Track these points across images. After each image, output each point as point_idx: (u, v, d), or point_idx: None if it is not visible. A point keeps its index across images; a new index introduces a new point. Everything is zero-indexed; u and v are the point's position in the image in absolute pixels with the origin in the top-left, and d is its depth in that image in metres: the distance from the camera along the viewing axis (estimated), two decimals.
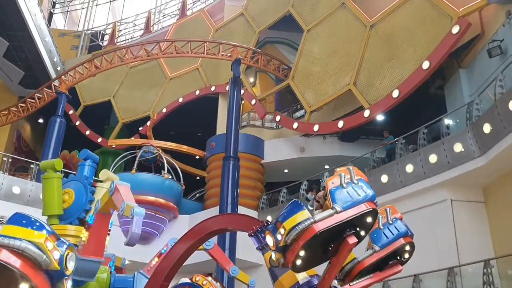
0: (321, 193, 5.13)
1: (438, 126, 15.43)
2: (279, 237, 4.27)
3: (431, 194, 14.38)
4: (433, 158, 14.52)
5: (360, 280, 5.08)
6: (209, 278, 7.91)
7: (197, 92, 26.60)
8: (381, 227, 5.19)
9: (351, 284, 5.03)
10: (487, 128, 12.97)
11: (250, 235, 5.14)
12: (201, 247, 8.01)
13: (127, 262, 10.23)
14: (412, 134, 16.07)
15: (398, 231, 5.23)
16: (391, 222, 5.22)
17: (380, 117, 18.68)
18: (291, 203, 4.50)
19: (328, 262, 4.67)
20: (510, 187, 13.43)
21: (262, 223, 5.25)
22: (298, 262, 4.30)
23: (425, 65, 16.39)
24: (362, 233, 4.64)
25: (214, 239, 6.62)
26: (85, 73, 24.77)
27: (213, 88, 26.04)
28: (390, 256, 5.30)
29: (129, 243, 6.00)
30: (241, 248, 17.31)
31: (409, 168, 15.02)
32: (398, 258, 5.36)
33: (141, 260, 12.63)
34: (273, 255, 4.43)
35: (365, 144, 20.64)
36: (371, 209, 4.47)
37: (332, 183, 4.57)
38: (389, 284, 13.97)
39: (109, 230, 7.17)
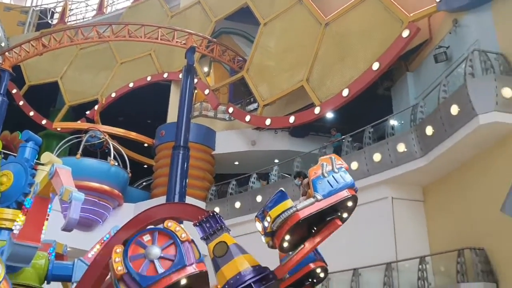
0: (305, 181, 5.08)
1: (383, 126, 15.91)
2: (266, 224, 4.73)
3: (373, 191, 14.85)
4: (377, 157, 14.98)
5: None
6: (182, 225, 7.74)
7: (149, 78, 26.10)
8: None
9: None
10: (429, 130, 13.51)
11: (195, 225, 5.15)
12: None
13: (68, 249, 9.98)
14: (358, 132, 16.48)
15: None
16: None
17: (329, 115, 19.05)
18: (277, 193, 4.87)
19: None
20: (448, 187, 14.09)
21: (208, 213, 5.27)
22: (285, 244, 4.78)
23: (375, 66, 16.85)
24: (345, 215, 5.09)
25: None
26: (32, 51, 23.74)
27: (165, 75, 25.63)
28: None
29: (66, 228, 5.87)
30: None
31: (354, 165, 15.43)
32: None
33: (83, 248, 12.31)
34: (263, 238, 4.92)
35: (314, 140, 21.00)
36: (350, 195, 4.91)
37: (315, 173, 4.95)
38: (329, 276, 14.35)
39: (48, 215, 6.94)
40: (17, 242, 6.69)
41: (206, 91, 23.39)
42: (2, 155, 8.12)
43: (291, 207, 4.68)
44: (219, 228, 5.07)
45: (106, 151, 20.78)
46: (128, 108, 26.39)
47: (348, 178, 5.01)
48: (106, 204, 19.20)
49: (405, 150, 14.31)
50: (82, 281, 6.31)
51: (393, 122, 15.90)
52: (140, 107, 26.54)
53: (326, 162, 5.06)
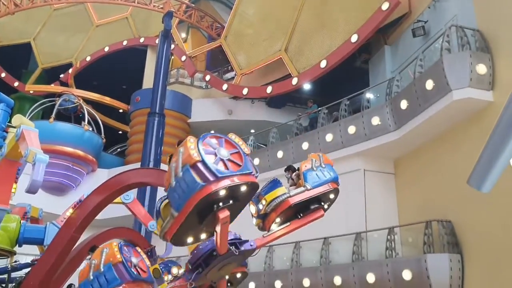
0: (295, 174, 5.88)
1: (359, 99, 16.01)
2: (260, 206, 5.31)
3: (347, 163, 15.05)
4: (351, 129, 15.12)
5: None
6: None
7: (125, 43, 25.55)
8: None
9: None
10: (404, 104, 13.65)
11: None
12: (119, 200, 7.86)
13: (43, 213, 9.90)
14: (335, 105, 16.56)
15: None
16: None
17: (307, 86, 19.06)
18: (272, 180, 5.60)
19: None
20: (418, 161, 14.38)
21: None
22: (274, 226, 5.46)
23: (354, 38, 16.83)
24: (326, 206, 5.87)
25: (133, 193, 6.49)
26: (3, 10, 22.90)
27: (142, 40, 25.13)
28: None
29: (30, 191, 5.84)
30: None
31: (329, 137, 15.56)
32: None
33: (57, 212, 12.26)
34: (254, 221, 5.49)
35: (291, 111, 21.06)
36: (333, 188, 5.74)
37: (305, 166, 5.72)
38: (300, 245, 14.66)
39: (17, 178, 6.85)
40: None
41: (183, 58, 23.06)
42: None
43: (284, 194, 5.40)
44: None
45: (80, 115, 20.45)
46: (103, 72, 25.86)
47: (333, 173, 5.88)
48: (80, 169, 19.02)
49: (379, 123, 14.46)
50: (53, 243, 6.29)
51: (369, 95, 15.99)
52: (116, 72, 26.05)
53: (315, 158, 5.89)
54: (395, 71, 16.56)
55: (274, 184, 5.56)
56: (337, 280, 13.35)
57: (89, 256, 5.31)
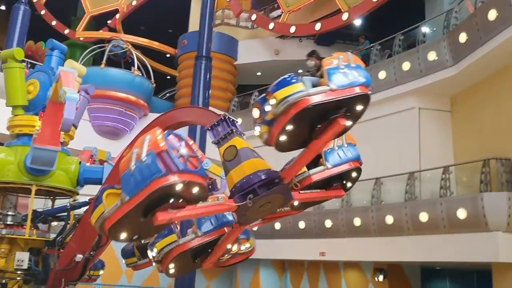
0: (318, 62, 4.63)
1: (414, 33, 15.28)
2: (267, 108, 3.99)
3: (400, 102, 14.61)
4: (406, 66, 14.55)
5: (309, 191, 5.06)
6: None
7: None
8: (336, 148, 5.11)
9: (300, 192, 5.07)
10: (463, 37, 12.91)
11: (207, 129, 5.04)
12: None
13: (113, 155, 10.19)
14: (388, 40, 15.91)
15: (352, 154, 5.22)
16: (346, 145, 5.20)
17: (358, 21, 18.32)
18: (285, 76, 4.18)
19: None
20: (477, 97, 13.73)
21: (219, 117, 5.09)
22: (283, 137, 4.07)
23: None
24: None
25: (184, 133, 6.53)
26: None
27: None
28: (336, 179, 5.21)
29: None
30: (209, 146, 17.53)
31: (382, 74, 15.06)
32: (344, 182, 5.29)
33: (113, 155, 12.74)
34: (257, 130, 4.16)
35: (341, 49, 20.34)
36: (364, 93, 4.21)
37: (330, 62, 4.24)
38: None
39: None
40: (35, 146, 6.89)
41: None
42: (30, 65, 8.13)
43: (302, 90, 3.94)
44: (230, 132, 4.88)
45: (130, 61, 20.65)
46: (149, 17, 25.81)
47: (365, 76, 4.29)
48: (132, 114, 19.45)
49: (436, 58, 13.82)
50: (107, 180, 6.50)
51: (425, 29, 15.22)
52: (162, 16, 25.93)
53: (342, 56, 4.48)
54: (453, 2, 15.59)
55: (289, 78, 4.12)
56: (389, 219, 13.32)
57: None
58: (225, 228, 5.18)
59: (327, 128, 4.17)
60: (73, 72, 6.41)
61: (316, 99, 3.93)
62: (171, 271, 5.24)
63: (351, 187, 5.38)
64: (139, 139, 4.13)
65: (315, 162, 5.23)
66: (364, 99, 4.23)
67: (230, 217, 5.11)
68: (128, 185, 3.90)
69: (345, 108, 4.12)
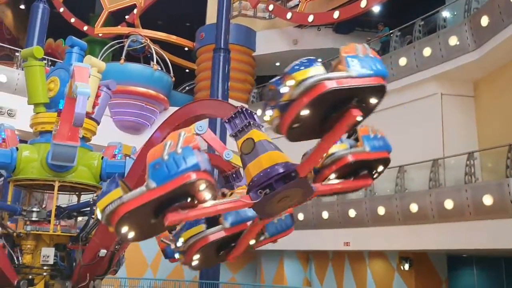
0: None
1: (435, 18, 14.97)
2: (284, 89, 3.68)
3: (422, 88, 14.36)
4: (427, 51, 14.28)
5: (332, 182, 4.76)
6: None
7: None
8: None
9: (322, 183, 4.83)
10: (485, 20, 12.60)
11: (225, 122, 4.98)
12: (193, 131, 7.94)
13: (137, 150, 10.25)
14: (408, 26, 15.62)
15: (387, 144, 5.08)
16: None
17: (376, 8, 18.03)
18: (302, 59, 3.81)
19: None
20: (500, 82, 13.42)
21: (237, 109, 5.02)
22: (296, 124, 3.79)
23: None
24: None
25: (206, 124, 6.50)
26: None
27: None
28: (363, 167, 4.92)
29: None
30: (229, 138, 17.55)
31: (403, 61, 14.82)
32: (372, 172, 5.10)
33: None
34: (269, 113, 3.83)
35: (360, 37, 20.13)
36: (382, 84, 3.86)
37: (347, 50, 4.01)
38: None
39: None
40: (55, 142, 6.95)
41: None
42: (50, 63, 8.19)
43: (321, 73, 3.67)
44: (248, 124, 4.78)
45: (149, 56, 20.78)
46: (166, 11, 25.88)
47: (383, 66, 4.19)
48: (153, 108, 19.60)
49: (457, 43, 13.52)
50: (129, 175, 6.53)
51: (445, 13, 14.89)
52: (179, 10, 25.95)
53: (360, 46, 4.27)
54: None
55: (309, 61, 3.80)
56: (414, 208, 13.15)
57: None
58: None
59: (340, 119, 3.84)
60: (86, 67, 6.40)
61: (336, 84, 3.61)
62: (195, 262, 5.16)
63: (376, 177, 5.16)
64: (172, 133, 4.10)
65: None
66: (380, 91, 4.07)
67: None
68: (158, 173, 3.71)
69: (357, 98, 3.95)
